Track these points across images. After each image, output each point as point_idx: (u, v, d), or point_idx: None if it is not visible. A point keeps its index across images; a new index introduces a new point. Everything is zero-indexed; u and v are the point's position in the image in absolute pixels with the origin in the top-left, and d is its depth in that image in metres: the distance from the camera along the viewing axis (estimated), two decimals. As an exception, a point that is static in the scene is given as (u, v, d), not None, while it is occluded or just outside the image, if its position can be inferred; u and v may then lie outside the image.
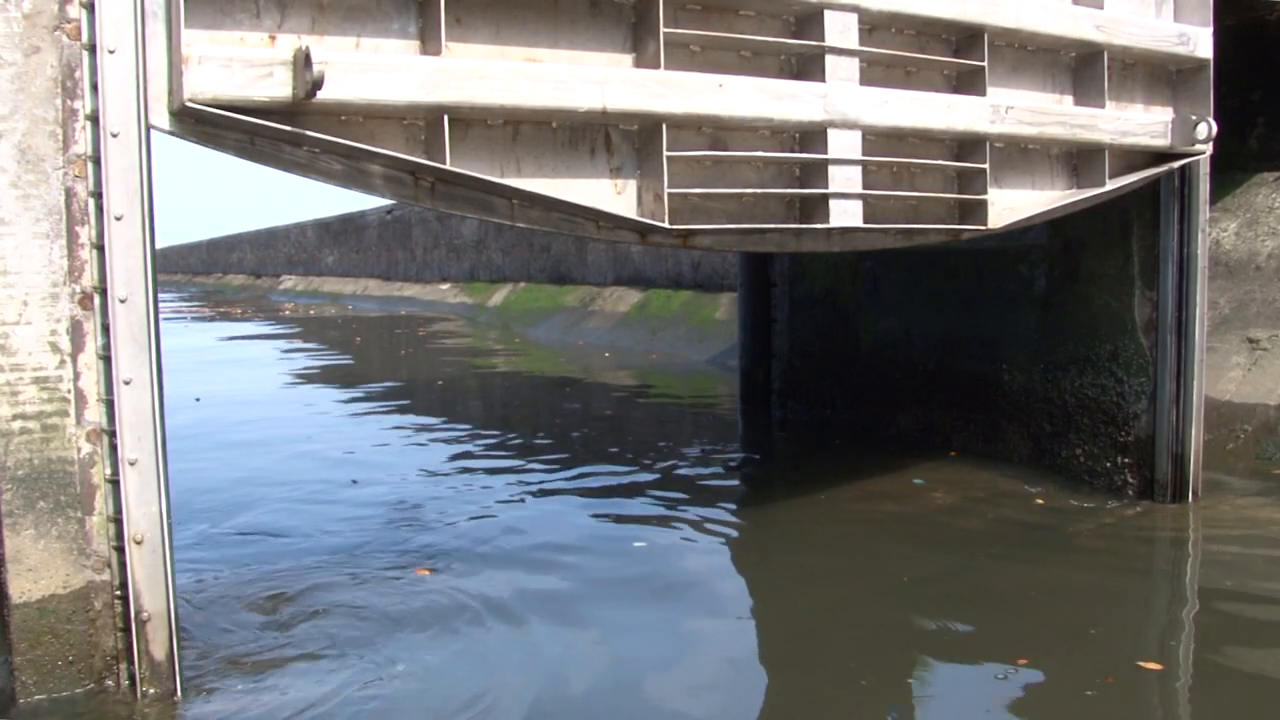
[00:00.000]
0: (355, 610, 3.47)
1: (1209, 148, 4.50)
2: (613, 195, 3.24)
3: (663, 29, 3.12)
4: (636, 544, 4.30)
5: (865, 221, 3.61)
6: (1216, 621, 3.45)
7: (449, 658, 3.10)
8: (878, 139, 3.69)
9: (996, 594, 3.71)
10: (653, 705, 2.82)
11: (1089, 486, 4.99)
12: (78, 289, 2.65)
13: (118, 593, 2.71)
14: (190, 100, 2.53)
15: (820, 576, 3.93)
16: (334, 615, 3.42)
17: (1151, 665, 3.06)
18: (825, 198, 3.50)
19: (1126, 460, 4.96)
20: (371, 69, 2.73)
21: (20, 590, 2.63)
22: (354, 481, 5.36)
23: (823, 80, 3.45)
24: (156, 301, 2.69)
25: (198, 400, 8.27)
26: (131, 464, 2.66)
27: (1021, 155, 4.13)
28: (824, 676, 3.01)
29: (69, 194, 2.62)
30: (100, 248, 2.62)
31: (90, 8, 2.55)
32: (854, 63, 3.51)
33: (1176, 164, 4.51)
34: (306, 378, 10.72)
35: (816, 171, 3.52)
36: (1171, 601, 3.77)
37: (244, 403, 8.66)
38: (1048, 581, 3.85)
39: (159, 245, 2.76)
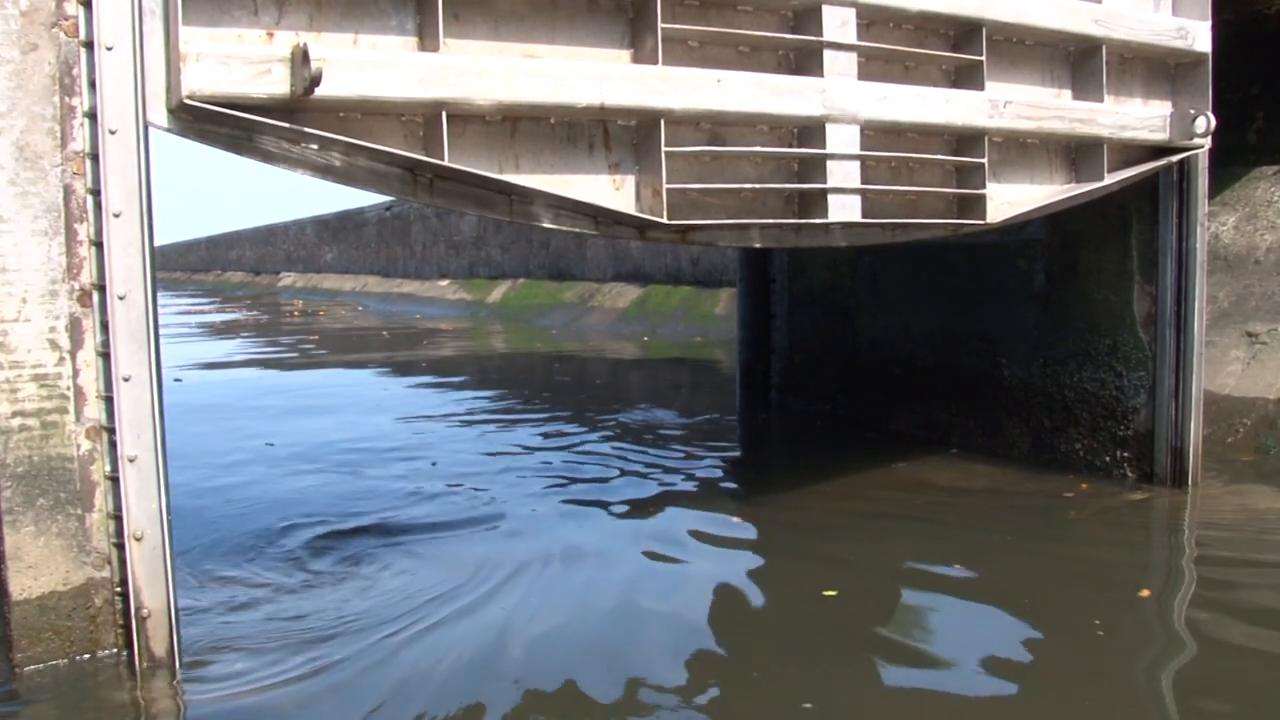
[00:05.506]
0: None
1: (1208, 142, 4.50)
2: (611, 191, 3.24)
3: (660, 24, 3.12)
4: (636, 540, 4.31)
5: (864, 216, 3.61)
6: (1213, 604, 3.46)
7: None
8: (876, 134, 3.69)
9: (996, 578, 3.72)
10: (642, 692, 2.83)
11: (1089, 480, 4.99)
12: (76, 286, 2.65)
13: (118, 589, 2.72)
14: (188, 97, 2.53)
15: (819, 566, 3.93)
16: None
17: (1146, 646, 3.08)
18: (824, 193, 3.50)
19: (1126, 454, 4.97)
20: (369, 66, 2.73)
21: (21, 587, 2.64)
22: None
23: (821, 75, 3.45)
24: (156, 298, 2.69)
25: (177, 380, 8.22)
26: (131, 461, 2.66)
27: (1020, 150, 4.13)
28: (821, 662, 3.01)
29: (67, 191, 2.63)
30: (99, 245, 2.63)
31: (88, 5, 2.55)
32: (852, 58, 3.51)
33: (1175, 158, 4.50)
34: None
35: (815, 167, 3.52)
36: (1168, 580, 3.79)
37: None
38: (1048, 566, 3.88)
39: (158, 243, 2.76)
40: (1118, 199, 4.72)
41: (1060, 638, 3.20)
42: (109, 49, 2.55)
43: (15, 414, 2.61)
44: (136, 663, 2.70)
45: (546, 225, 3.18)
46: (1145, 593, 3.60)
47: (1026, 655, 3.09)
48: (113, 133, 2.58)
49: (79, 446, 2.68)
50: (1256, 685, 2.87)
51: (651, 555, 4.10)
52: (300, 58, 2.57)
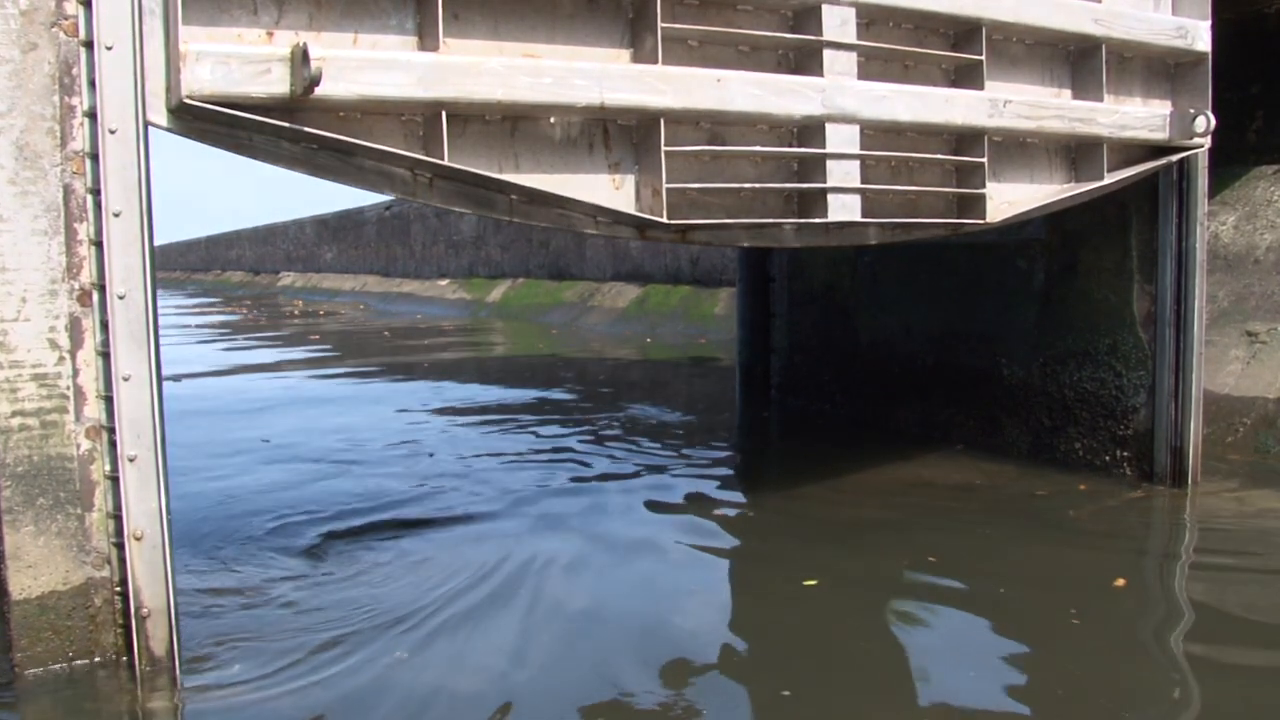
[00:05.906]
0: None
1: (1207, 141, 4.50)
2: (611, 191, 3.24)
3: (660, 24, 3.12)
4: (637, 540, 4.31)
5: (864, 216, 3.61)
6: (1211, 603, 3.47)
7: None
8: (876, 133, 3.69)
9: (991, 576, 3.73)
10: (647, 694, 2.83)
11: (1088, 480, 5.00)
12: (76, 285, 2.65)
13: (117, 589, 2.72)
14: (188, 97, 2.53)
15: (818, 563, 3.93)
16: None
17: (1142, 645, 3.09)
18: (823, 192, 3.50)
19: (1125, 454, 4.97)
20: (369, 65, 2.73)
21: (20, 587, 2.64)
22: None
23: (821, 75, 3.45)
24: (155, 298, 2.69)
25: (176, 380, 8.20)
26: (131, 460, 2.66)
27: (1020, 149, 4.13)
28: (815, 655, 3.02)
29: (67, 191, 2.63)
30: (99, 244, 2.63)
31: (88, 4, 2.55)
32: (852, 57, 3.51)
33: (1175, 157, 4.51)
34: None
35: (815, 166, 3.52)
36: (1166, 579, 3.79)
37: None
38: (1045, 564, 3.89)
39: (158, 243, 2.77)
40: (1117, 198, 4.72)
41: (1055, 636, 3.20)
42: (109, 48, 2.55)
43: (15, 413, 2.61)
44: (136, 663, 2.70)
45: (546, 225, 3.19)
46: (1141, 591, 3.61)
47: (1018, 652, 3.09)
48: (112, 132, 2.58)
49: (79, 446, 2.68)
50: (1255, 684, 2.87)
51: (653, 554, 4.10)
52: (300, 57, 2.57)
